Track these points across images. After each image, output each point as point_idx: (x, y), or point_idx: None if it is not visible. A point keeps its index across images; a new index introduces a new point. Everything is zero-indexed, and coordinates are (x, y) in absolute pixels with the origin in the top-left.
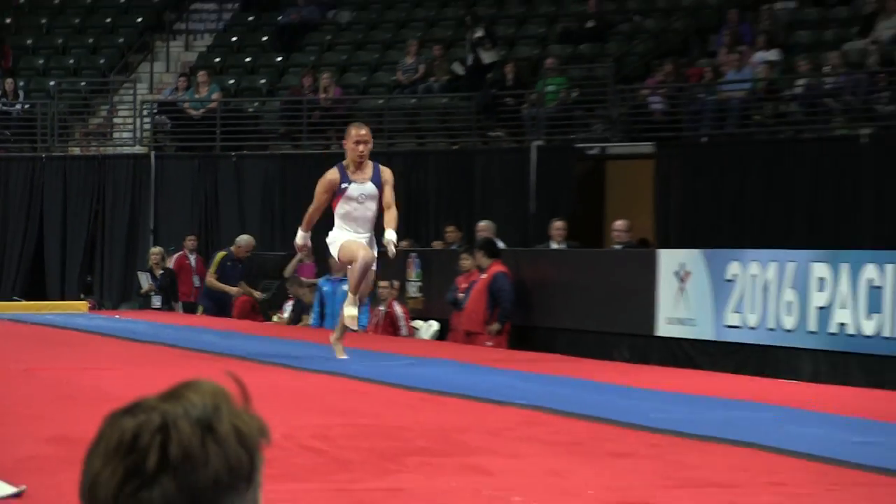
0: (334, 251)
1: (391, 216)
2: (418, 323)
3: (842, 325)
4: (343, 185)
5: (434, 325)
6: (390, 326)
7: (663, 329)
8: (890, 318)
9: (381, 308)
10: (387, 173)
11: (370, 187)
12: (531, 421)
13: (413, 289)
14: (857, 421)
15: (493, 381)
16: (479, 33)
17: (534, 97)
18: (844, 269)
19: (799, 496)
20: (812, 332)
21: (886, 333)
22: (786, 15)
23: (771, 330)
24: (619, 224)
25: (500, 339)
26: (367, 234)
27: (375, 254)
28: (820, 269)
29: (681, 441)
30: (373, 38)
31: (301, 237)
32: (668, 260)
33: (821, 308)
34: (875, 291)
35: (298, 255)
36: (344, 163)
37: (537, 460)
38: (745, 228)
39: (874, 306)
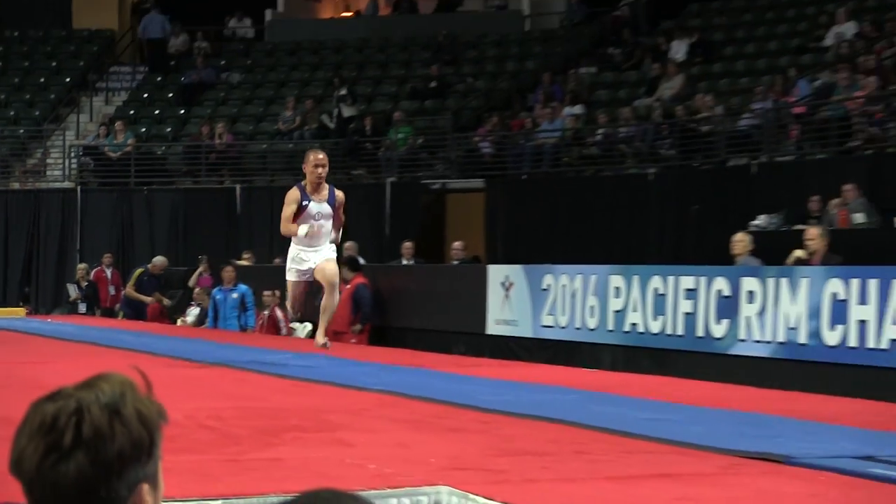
0: (287, 272)
1: (338, 226)
2: (295, 325)
3: (634, 324)
4: (304, 203)
5: (308, 326)
6: (273, 327)
7: (492, 328)
8: (671, 318)
9: (266, 312)
10: (340, 196)
11: (326, 208)
12: (385, 403)
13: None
14: (647, 402)
15: (355, 371)
16: (342, 92)
17: (388, 143)
18: (636, 280)
19: (598, 461)
20: (610, 331)
21: (669, 331)
22: (588, 78)
23: (578, 329)
24: (457, 244)
25: (361, 337)
26: (320, 248)
27: (334, 256)
28: (616, 280)
29: (505, 418)
30: (258, 95)
31: (302, 230)
32: (496, 273)
33: (617, 311)
34: (660, 298)
35: (200, 269)
36: (303, 183)
37: (389, 435)
38: (557, 248)
39: (659, 309)
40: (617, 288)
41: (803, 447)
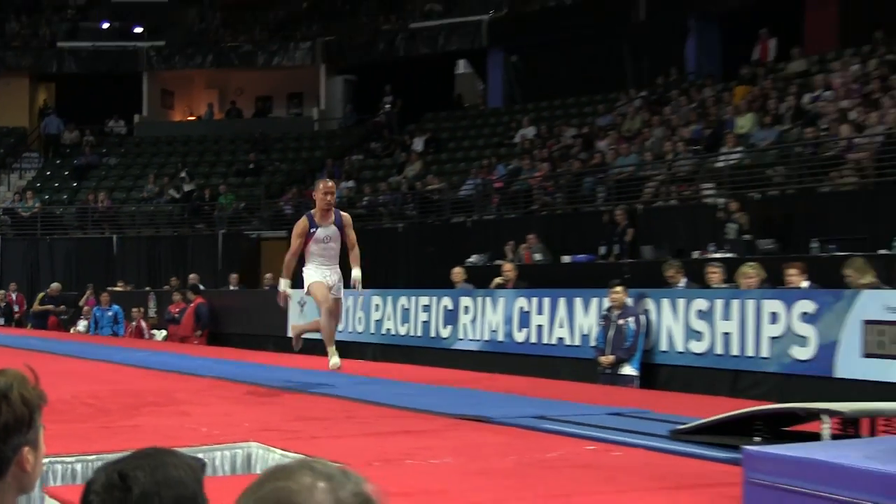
0: (306, 284)
1: (355, 255)
2: (155, 332)
3: (388, 329)
4: (312, 230)
5: (164, 332)
6: (138, 334)
7: (292, 333)
8: (414, 325)
9: (133, 324)
10: (346, 217)
11: (333, 230)
12: (216, 385)
13: (151, 312)
14: (396, 382)
15: (196, 363)
16: (183, 174)
17: (219, 206)
18: (389, 299)
19: (362, 423)
20: (372, 333)
21: (412, 334)
22: (358, 163)
23: (350, 332)
24: (268, 276)
25: (201, 340)
26: (334, 266)
27: (341, 285)
28: (376, 300)
29: (299, 395)
30: (129, 173)
31: (283, 284)
32: (295, 295)
33: (377, 320)
34: (405, 311)
35: (87, 294)
36: (312, 211)
37: (217, 407)
38: None
39: (405, 319)
40: (377, 305)
41: (499, 411)
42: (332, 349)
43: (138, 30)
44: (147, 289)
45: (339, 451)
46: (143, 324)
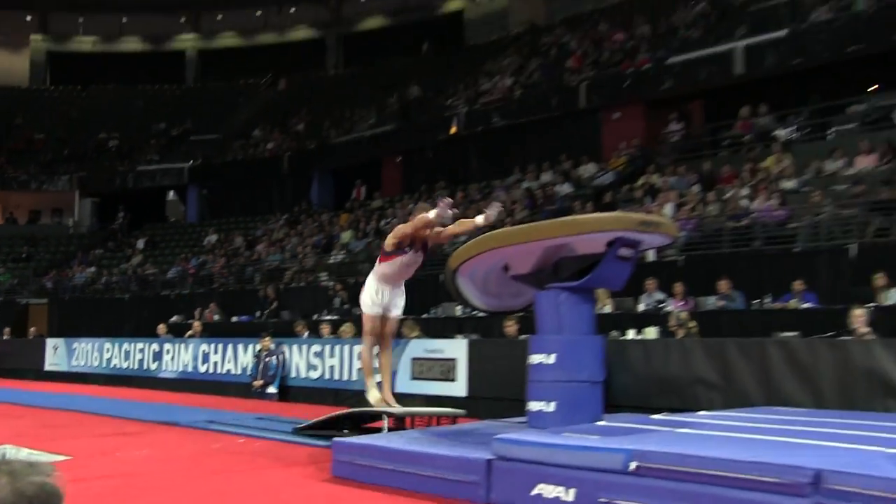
0: (362, 304)
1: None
2: None
3: (115, 364)
4: (407, 249)
5: None
6: None
7: (48, 367)
8: (132, 361)
9: None
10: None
11: (420, 258)
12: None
13: None
14: (119, 401)
15: None
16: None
17: None
18: (117, 344)
19: (90, 428)
20: (104, 367)
21: (130, 367)
22: (100, 255)
23: (87, 366)
24: (33, 329)
25: None
26: (399, 287)
27: (402, 303)
28: (107, 345)
29: (46, 411)
30: None
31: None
32: (51, 342)
33: (107, 358)
34: (127, 352)
35: None
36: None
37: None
38: (81, 331)
39: (127, 357)
40: (108, 348)
41: (184, 418)
42: (371, 381)
43: None
44: None
45: (70, 448)
46: None
